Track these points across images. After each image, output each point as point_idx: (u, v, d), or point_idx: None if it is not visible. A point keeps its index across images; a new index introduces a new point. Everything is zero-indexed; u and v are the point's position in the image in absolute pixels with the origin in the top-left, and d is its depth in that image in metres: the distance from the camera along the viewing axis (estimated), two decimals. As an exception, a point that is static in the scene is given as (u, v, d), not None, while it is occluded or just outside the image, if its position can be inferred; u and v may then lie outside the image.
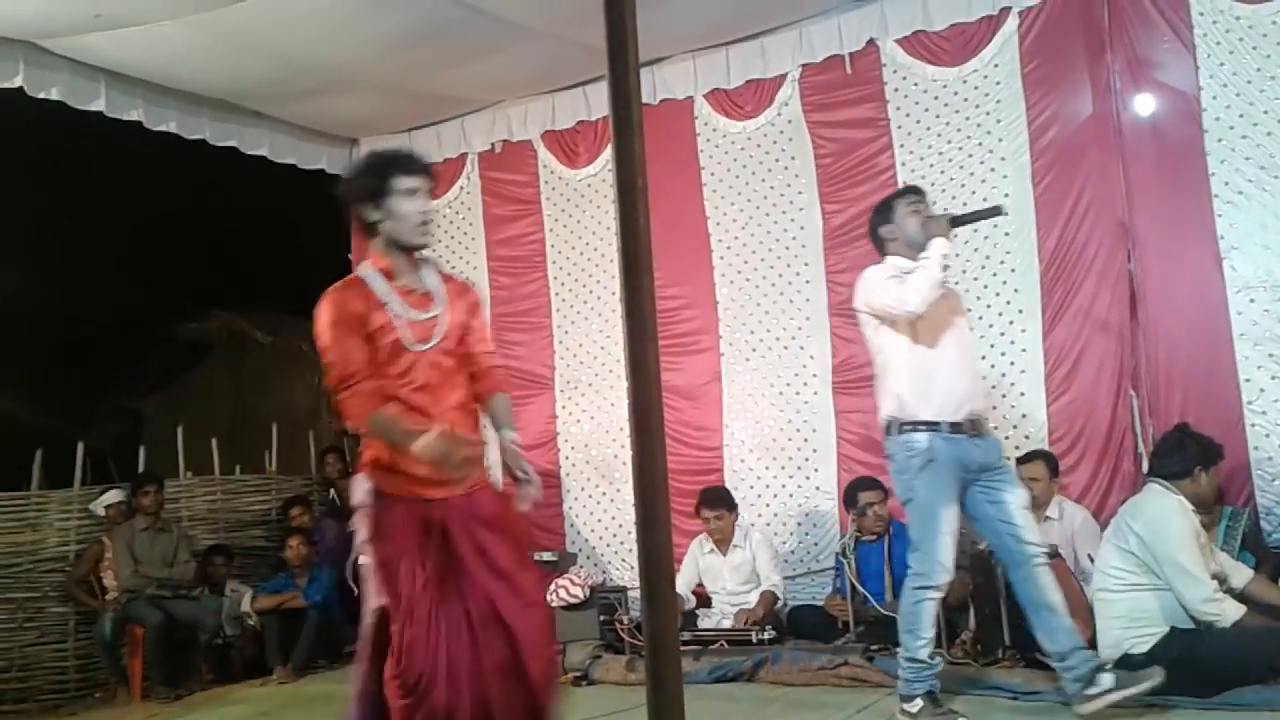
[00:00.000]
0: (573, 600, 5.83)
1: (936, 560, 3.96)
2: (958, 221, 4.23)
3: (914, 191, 4.40)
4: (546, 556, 6.14)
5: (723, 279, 6.72)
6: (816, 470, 6.31)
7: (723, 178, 6.77)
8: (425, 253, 3.22)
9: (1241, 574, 4.30)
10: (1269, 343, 5.18)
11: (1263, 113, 5.29)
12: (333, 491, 8.10)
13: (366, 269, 3.16)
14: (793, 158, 6.55)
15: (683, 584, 5.98)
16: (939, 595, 4.01)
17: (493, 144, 7.54)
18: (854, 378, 6.16)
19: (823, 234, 6.41)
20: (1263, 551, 4.77)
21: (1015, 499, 4.06)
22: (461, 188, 7.68)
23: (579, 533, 7.01)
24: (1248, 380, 5.22)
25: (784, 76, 6.57)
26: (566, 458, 7.13)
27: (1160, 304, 5.47)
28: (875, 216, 4.34)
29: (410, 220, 3.10)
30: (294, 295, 9.37)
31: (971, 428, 4.02)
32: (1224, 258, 5.32)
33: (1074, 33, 5.75)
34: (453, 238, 7.67)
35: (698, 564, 6.05)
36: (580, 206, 7.19)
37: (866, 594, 5.41)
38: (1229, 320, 5.28)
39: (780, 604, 5.81)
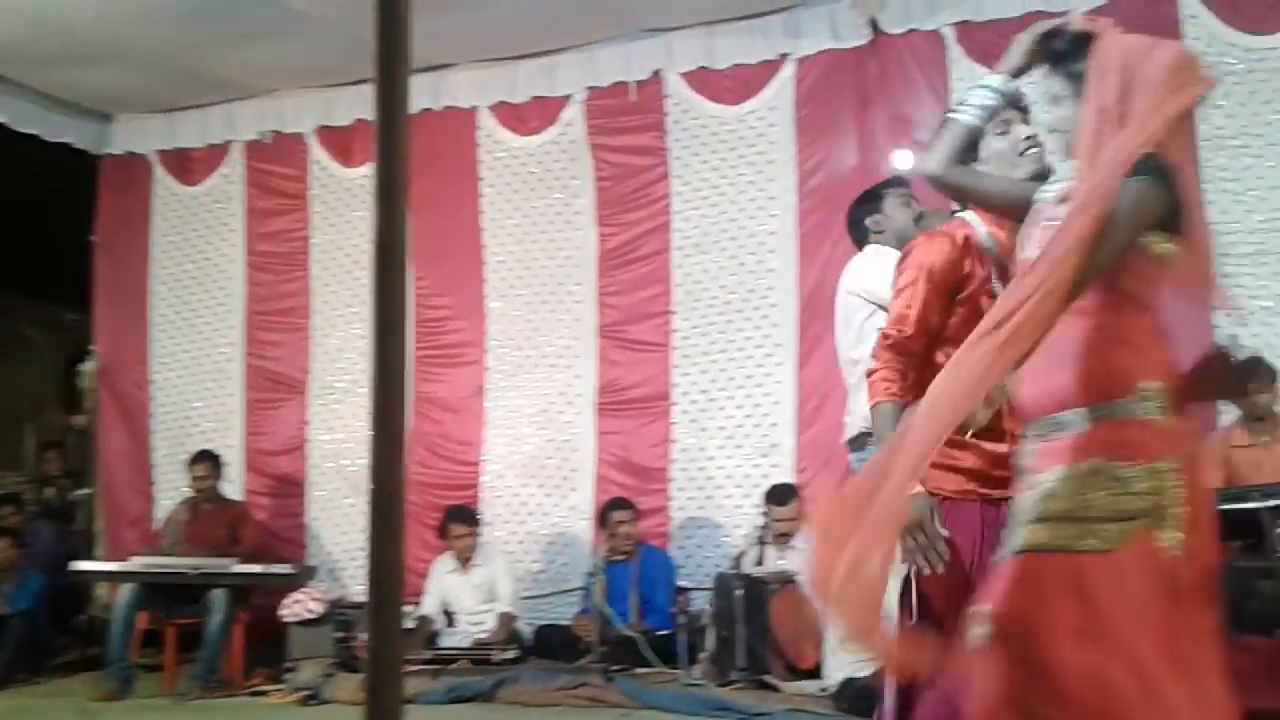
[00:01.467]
0: (309, 615, 5.57)
1: None
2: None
3: (902, 183, 4.11)
4: (283, 569, 5.85)
5: (494, 292, 6.64)
6: (574, 490, 6.31)
7: (501, 190, 6.71)
8: None
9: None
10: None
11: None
12: (51, 490, 7.44)
13: None
14: (573, 178, 6.57)
15: (432, 603, 5.83)
16: None
17: (262, 133, 7.17)
18: (618, 400, 6.23)
19: (598, 255, 6.44)
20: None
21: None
22: (224, 176, 7.26)
23: (321, 545, 6.71)
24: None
25: (570, 97, 6.58)
26: (314, 466, 6.83)
27: (905, 347, 5.79)
28: (859, 207, 4.04)
29: None
30: (22, 276, 8.62)
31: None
32: (962, 308, 5.69)
33: (844, 85, 6.05)
34: (209, 227, 7.24)
35: (440, 583, 5.92)
36: (351, 207, 6.93)
37: (612, 614, 5.44)
38: (964, 367, 5.64)
39: (517, 622, 5.77)
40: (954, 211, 2.77)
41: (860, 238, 3.98)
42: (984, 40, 5.79)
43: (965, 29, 5.82)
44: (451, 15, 5.81)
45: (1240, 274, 4.97)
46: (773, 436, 5.95)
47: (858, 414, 3.66)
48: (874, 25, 5.93)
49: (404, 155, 1.00)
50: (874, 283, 3.62)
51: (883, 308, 3.32)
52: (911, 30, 5.91)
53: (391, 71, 0.98)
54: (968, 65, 5.80)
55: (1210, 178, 5.29)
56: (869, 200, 4.02)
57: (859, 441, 3.76)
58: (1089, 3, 5.56)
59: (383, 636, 1.09)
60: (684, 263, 6.25)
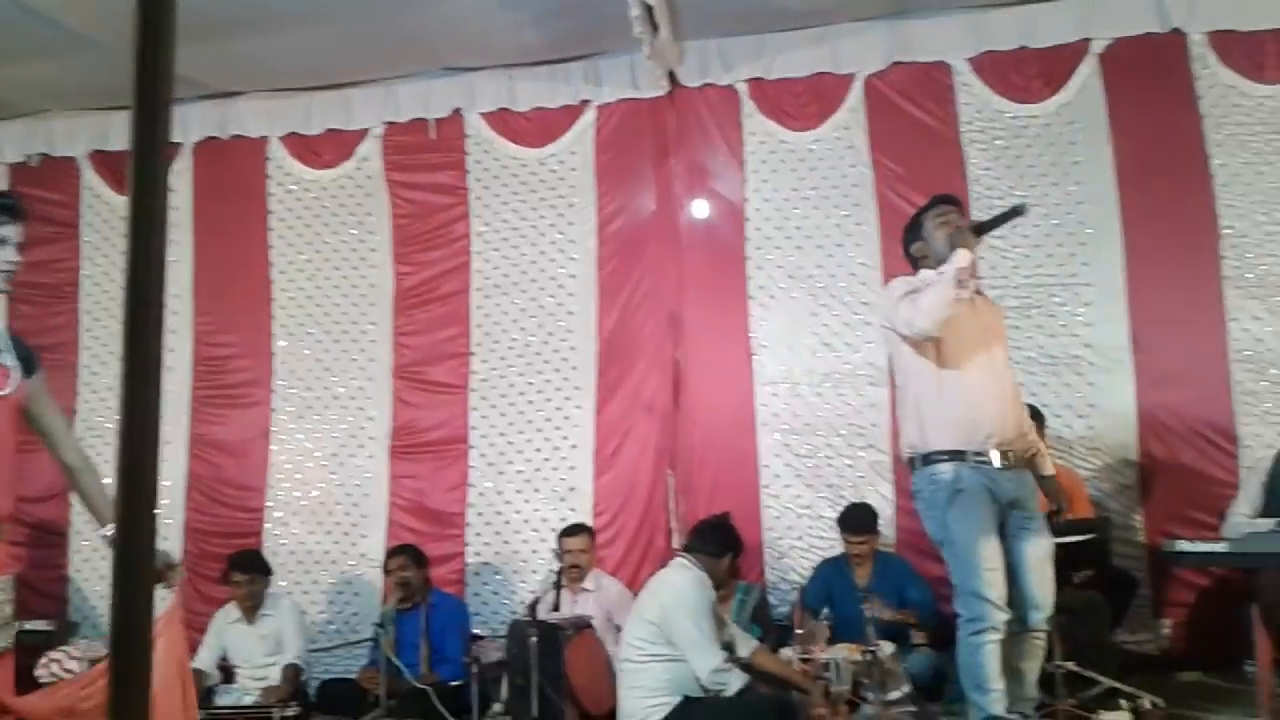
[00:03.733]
0: (66, 675, 5.13)
1: (984, 599, 3.54)
2: (981, 229, 3.81)
3: (945, 201, 4.03)
4: (39, 625, 5.37)
5: (282, 330, 6.38)
6: (364, 537, 6.09)
7: (293, 224, 6.47)
8: None
9: (748, 644, 4.64)
10: (785, 434, 5.76)
11: (795, 227, 5.94)
12: None
13: None
14: (369, 214, 6.41)
15: (208, 657, 5.48)
16: (998, 637, 3.53)
17: (29, 156, 6.67)
18: (412, 443, 6.08)
19: (394, 294, 6.29)
20: (769, 624, 5.22)
21: (1038, 550, 3.69)
22: (-18, 199, 6.70)
23: (85, 599, 6.22)
24: (766, 466, 5.76)
25: (367, 131, 6.44)
26: (79, 514, 6.33)
27: (699, 392, 5.91)
28: (907, 234, 4.00)
29: None
30: None
31: (1003, 458, 3.67)
32: (754, 354, 5.88)
33: (644, 134, 6.16)
34: (-35, 254, 6.65)
35: (221, 635, 5.56)
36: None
37: (401, 666, 5.25)
38: (754, 411, 5.81)
39: (305, 677, 5.49)
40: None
41: (914, 266, 3.96)
42: (775, 97, 6.05)
43: (758, 85, 6.06)
44: (242, 41, 5.61)
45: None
46: (570, 480, 5.94)
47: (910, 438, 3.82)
48: (672, 77, 6.08)
49: (162, 184, 0.93)
50: (888, 314, 3.84)
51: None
52: (707, 84, 6.09)
53: (150, 93, 0.90)
54: (760, 120, 6.04)
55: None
56: (913, 228, 4.01)
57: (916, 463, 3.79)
58: (869, 67, 5.91)
59: (128, 704, 0.99)
60: (483, 304, 6.19)
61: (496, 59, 6.24)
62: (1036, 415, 4.96)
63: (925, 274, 3.79)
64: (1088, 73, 5.74)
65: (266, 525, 6.16)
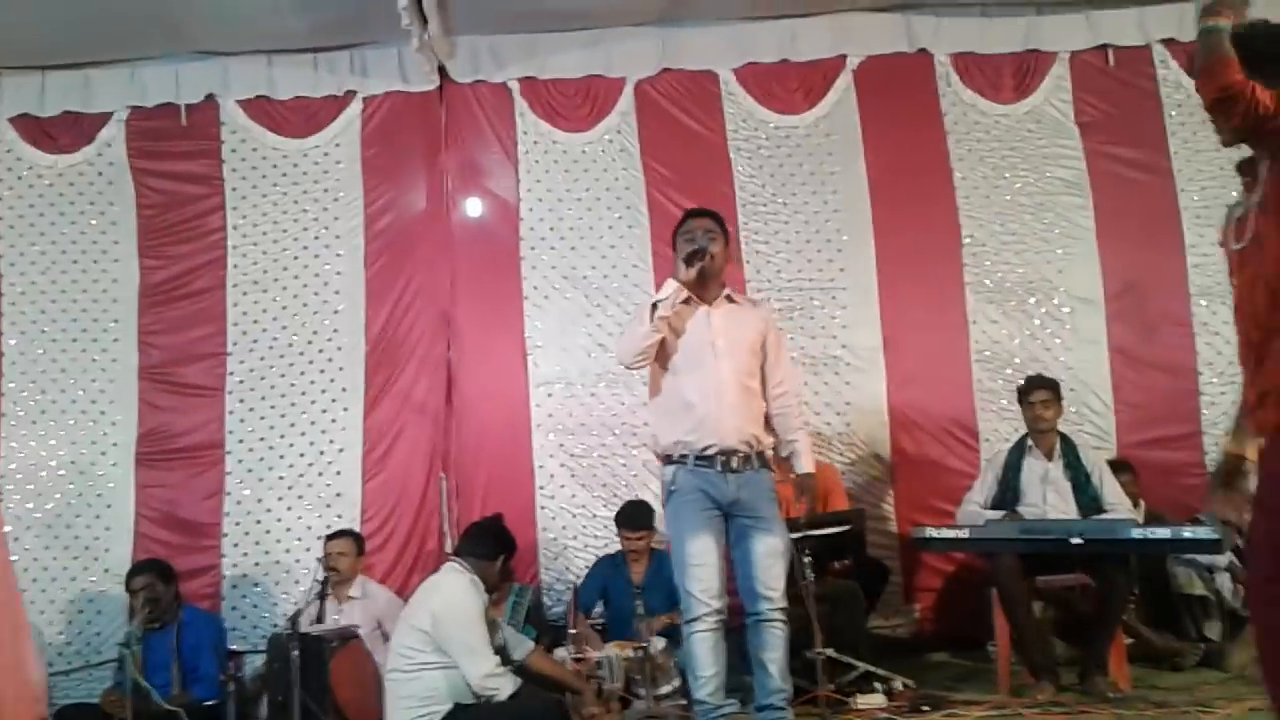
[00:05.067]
0: None
1: (689, 593, 3.76)
2: (690, 259, 3.92)
3: (694, 215, 4.14)
4: None
5: (12, 328, 5.82)
6: (108, 551, 5.62)
7: (24, 214, 5.94)
8: None
9: (524, 647, 4.59)
10: (560, 434, 5.75)
11: (569, 228, 5.95)
12: None
13: None
14: (111, 203, 5.95)
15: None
16: (709, 628, 3.75)
17: None
18: (161, 449, 5.69)
19: (139, 290, 5.86)
20: (543, 625, 5.20)
21: (763, 546, 3.83)
22: None
23: None
24: (541, 467, 5.73)
25: (110, 115, 5.99)
26: None
27: (473, 392, 5.82)
28: (673, 233, 4.14)
29: None
30: None
31: (724, 461, 3.83)
32: (529, 354, 5.84)
33: (414, 129, 6.02)
34: None
35: None
36: None
37: (149, 687, 4.89)
38: (529, 412, 5.77)
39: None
40: None
41: None
42: (548, 97, 6.05)
43: (530, 84, 6.04)
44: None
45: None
46: (337, 485, 5.71)
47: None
48: (443, 72, 5.97)
49: None
50: None
51: None
52: (479, 81, 6.02)
53: None
54: (533, 120, 6.02)
55: (746, 240, 5.87)
56: (676, 229, 4.15)
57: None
58: (640, 72, 6.01)
59: None
60: (241, 301, 5.87)
61: (254, 44, 5.94)
62: None
63: (668, 286, 3.94)
64: (844, 87, 6.05)
65: (-8, 542, 5.60)
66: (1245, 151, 2.41)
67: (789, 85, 6.08)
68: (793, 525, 4.29)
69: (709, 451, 3.83)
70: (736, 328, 3.99)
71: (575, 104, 6.08)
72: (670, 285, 3.91)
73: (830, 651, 4.34)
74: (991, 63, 6.08)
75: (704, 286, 3.97)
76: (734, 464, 3.83)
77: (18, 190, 5.96)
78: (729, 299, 4.07)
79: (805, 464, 4.07)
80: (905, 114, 6.03)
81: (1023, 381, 5.12)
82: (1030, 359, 5.69)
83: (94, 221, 5.95)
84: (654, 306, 3.88)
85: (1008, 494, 4.87)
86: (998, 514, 4.80)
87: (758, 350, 4.01)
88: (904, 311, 5.80)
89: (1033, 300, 5.81)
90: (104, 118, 5.99)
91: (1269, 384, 2.21)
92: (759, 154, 6.04)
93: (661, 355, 3.95)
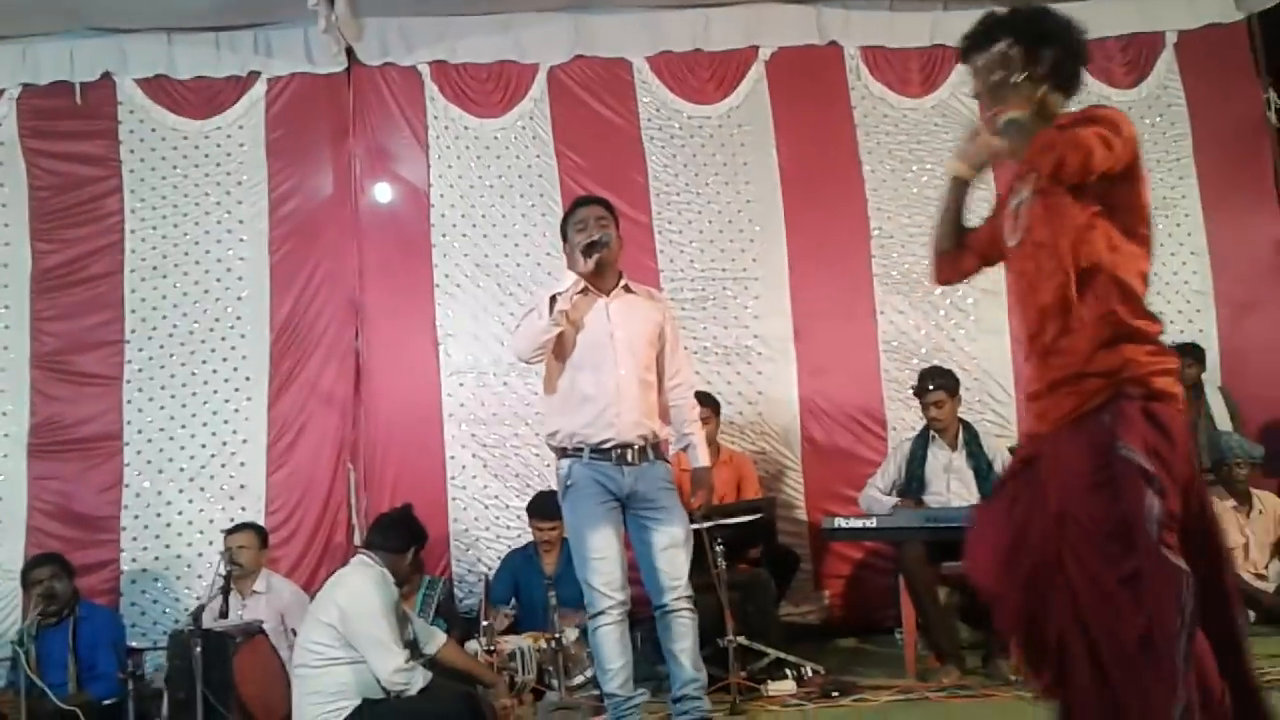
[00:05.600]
0: None
1: (591, 586, 3.73)
2: (590, 249, 3.80)
3: (583, 203, 4.02)
4: None
5: (-108, 314, 5.57)
6: (-1, 546, 5.43)
7: (-88, 206, 5.67)
8: None
9: (436, 639, 4.54)
10: (472, 424, 5.70)
11: (481, 215, 5.89)
12: None
13: None
14: (1, 184, 5.71)
15: None
16: (613, 621, 3.71)
17: None
18: (55, 440, 5.49)
19: (31, 275, 5.64)
20: (455, 617, 5.15)
21: (664, 537, 3.78)
22: None
23: None
24: (453, 457, 5.67)
25: (1, 92, 5.74)
26: None
27: (382, 382, 5.73)
28: (562, 223, 4.04)
29: None
30: None
31: (619, 454, 3.77)
32: (440, 343, 5.77)
33: (320, 112, 5.89)
34: None
35: None
36: None
37: (44, 686, 4.73)
38: (440, 401, 5.71)
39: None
40: None
41: None
42: (460, 82, 5.97)
43: (441, 69, 5.97)
44: None
45: (684, 318, 5.53)
46: (240, 477, 5.57)
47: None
48: (350, 54, 5.85)
49: None
50: None
51: None
52: (389, 64, 5.93)
53: None
54: (444, 104, 5.94)
55: (660, 230, 5.88)
56: (565, 216, 4.08)
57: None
58: (553, 58, 5.98)
59: None
60: (139, 287, 5.69)
61: (152, 22, 5.76)
62: (711, 403, 5.20)
63: (567, 277, 3.86)
64: (755, 78, 6.08)
65: (-128, 539, 5.35)
66: None
67: (702, 75, 6.10)
68: (703, 515, 4.32)
69: (605, 445, 3.80)
70: (635, 319, 3.93)
71: (487, 89, 6.02)
72: (569, 277, 3.83)
73: (742, 639, 4.39)
74: (899, 57, 6.18)
75: (601, 276, 3.90)
76: (629, 457, 3.80)
77: (-99, 172, 5.69)
78: (626, 289, 4.00)
79: (701, 457, 4.08)
80: (816, 106, 6.10)
81: (920, 374, 5.19)
82: (935, 349, 5.82)
83: (-18, 203, 5.70)
84: (552, 300, 3.79)
85: (912, 483, 4.98)
86: (897, 500, 4.92)
87: (655, 341, 3.96)
88: (814, 302, 5.87)
89: (938, 292, 5.91)
90: (-5, 95, 5.75)
91: (1059, 375, 2.33)
92: (672, 143, 6.05)
93: (558, 348, 3.88)
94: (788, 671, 4.58)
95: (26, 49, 5.76)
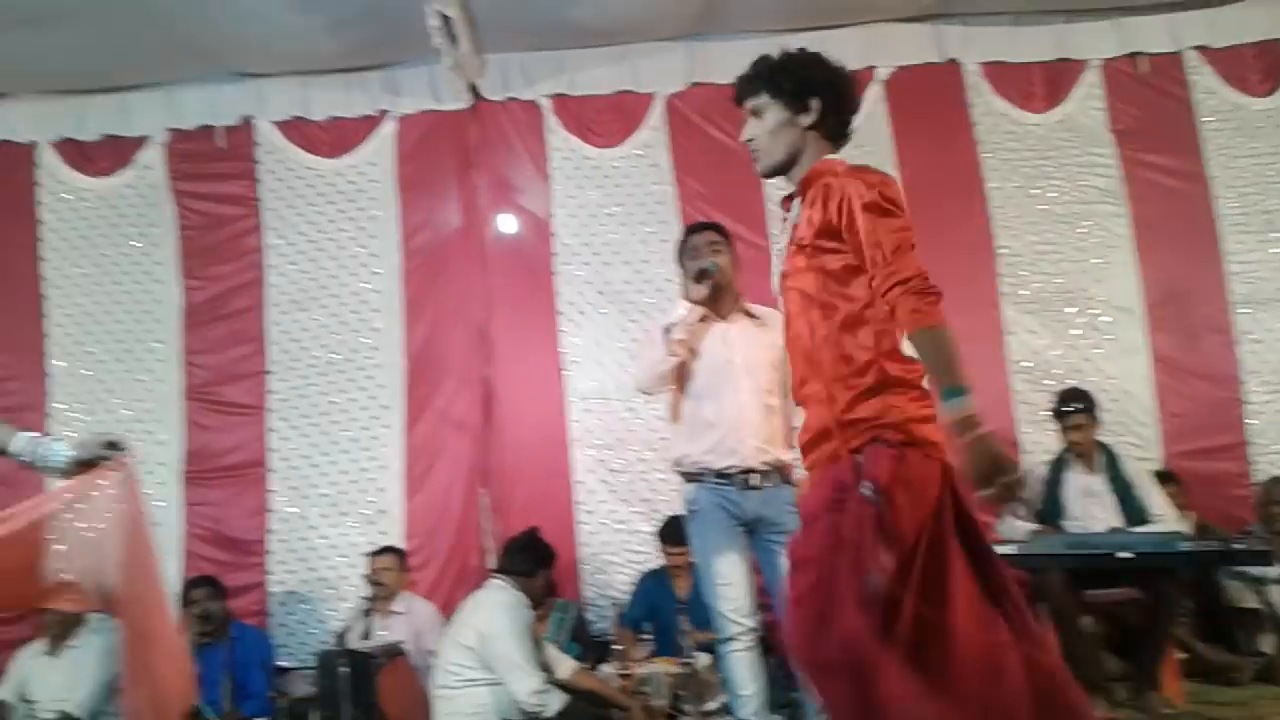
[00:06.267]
0: None
1: (719, 612, 3.73)
2: (701, 276, 3.82)
3: (696, 230, 4.05)
4: None
5: (58, 349, 5.92)
6: (156, 569, 5.71)
7: (66, 236, 6.03)
8: None
9: (566, 665, 4.64)
10: (599, 449, 5.78)
11: (602, 243, 5.99)
12: None
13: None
14: (153, 225, 6.03)
15: (8, 691, 5.03)
16: (744, 647, 3.70)
17: None
18: (206, 467, 5.76)
19: (182, 311, 5.95)
20: (588, 641, 5.23)
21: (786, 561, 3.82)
22: None
23: None
24: (580, 482, 5.76)
25: (148, 138, 6.08)
26: None
27: (510, 409, 5.86)
28: (677, 250, 4.06)
29: None
30: None
31: (744, 478, 3.77)
32: (565, 370, 5.87)
33: (446, 147, 6.07)
34: None
35: (23, 668, 5.11)
36: None
37: (200, 704, 4.96)
38: (566, 427, 5.81)
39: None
40: None
41: None
42: (578, 113, 6.08)
43: (561, 101, 6.08)
44: (6, 39, 5.18)
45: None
46: (380, 502, 5.76)
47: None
48: (474, 90, 6.01)
49: None
50: None
51: None
52: (510, 98, 6.07)
53: None
54: (564, 136, 6.06)
55: (777, 255, 5.86)
56: (680, 243, 4.09)
57: None
58: (670, 87, 6.04)
59: None
60: (280, 320, 5.94)
61: (288, 66, 6.00)
62: None
63: (683, 305, 3.87)
64: (874, 99, 6.03)
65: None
66: None
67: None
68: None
69: (729, 471, 3.79)
70: (755, 344, 3.90)
71: (606, 120, 6.11)
72: (682, 306, 3.84)
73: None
74: (1022, 71, 6.07)
75: (718, 301, 3.89)
76: (753, 481, 3.80)
77: (60, 214, 6.04)
78: (747, 313, 3.99)
79: None
80: (936, 125, 6.02)
81: (1058, 395, 5.09)
82: (1071, 370, 5.67)
83: (136, 243, 6.03)
84: (667, 330, 3.83)
85: (1050, 508, 4.87)
86: (1039, 528, 4.80)
87: (779, 365, 3.89)
88: (941, 323, 5.78)
89: (1070, 310, 5.80)
90: (143, 140, 6.07)
91: (823, 424, 2.39)
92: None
93: (679, 376, 3.89)
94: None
95: (172, 95, 6.07)
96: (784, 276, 2.52)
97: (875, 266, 2.33)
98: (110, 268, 6.02)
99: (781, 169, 2.59)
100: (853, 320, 2.38)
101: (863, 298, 2.38)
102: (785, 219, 2.59)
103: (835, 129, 2.58)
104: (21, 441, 2.43)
